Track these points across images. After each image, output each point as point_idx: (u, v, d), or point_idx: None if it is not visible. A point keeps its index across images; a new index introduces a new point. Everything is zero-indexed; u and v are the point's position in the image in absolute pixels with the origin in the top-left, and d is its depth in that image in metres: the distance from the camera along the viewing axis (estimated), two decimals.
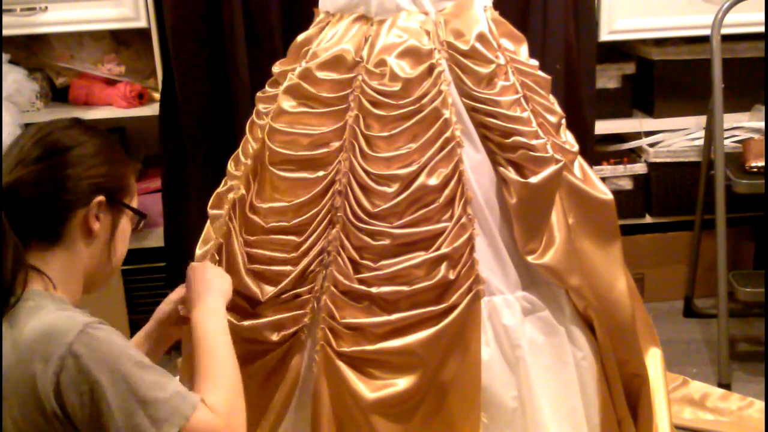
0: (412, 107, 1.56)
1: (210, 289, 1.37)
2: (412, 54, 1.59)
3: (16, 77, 2.64)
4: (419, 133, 1.56)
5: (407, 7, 1.62)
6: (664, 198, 2.93)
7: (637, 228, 2.94)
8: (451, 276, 1.52)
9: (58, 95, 2.86)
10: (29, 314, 1.15)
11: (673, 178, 2.91)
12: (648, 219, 2.98)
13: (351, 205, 1.55)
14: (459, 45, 1.61)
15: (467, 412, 1.55)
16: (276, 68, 1.76)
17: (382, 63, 1.59)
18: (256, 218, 1.60)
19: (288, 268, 1.57)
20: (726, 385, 2.48)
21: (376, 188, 1.54)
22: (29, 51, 2.81)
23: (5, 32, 2.58)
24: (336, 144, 1.58)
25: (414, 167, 1.54)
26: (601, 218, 1.75)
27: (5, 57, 2.63)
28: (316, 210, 1.57)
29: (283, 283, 1.55)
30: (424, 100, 1.56)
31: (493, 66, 1.62)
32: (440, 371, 1.54)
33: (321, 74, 1.61)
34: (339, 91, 1.60)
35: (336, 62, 1.61)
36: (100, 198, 1.24)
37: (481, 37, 1.62)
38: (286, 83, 1.65)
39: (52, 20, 2.62)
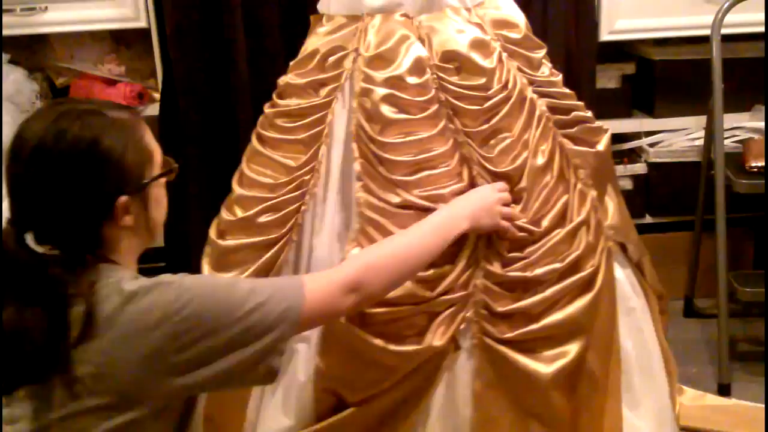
0: (501, 95, 1.58)
1: (473, 209, 1.47)
2: (480, 45, 1.60)
3: (16, 77, 2.64)
4: (512, 120, 1.59)
5: (452, 4, 1.63)
6: (664, 198, 2.93)
7: (637, 228, 2.89)
8: (591, 239, 1.59)
9: (58, 95, 2.86)
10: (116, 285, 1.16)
11: (674, 178, 2.90)
12: (648, 219, 2.97)
13: None
14: (511, 35, 1.65)
15: (612, 366, 1.63)
16: (297, 80, 1.66)
17: (453, 57, 1.58)
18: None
19: (446, 268, 1.54)
20: (726, 386, 2.48)
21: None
22: (29, 51, 2.81)
23: (5, 32, 2.57)
24: (444, 147, 1.55)
25: (524, 155, 1.57)
26: (615, 178, 1.83)
27: (5, 57, 2.63)
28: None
29: (445, 284, 1.53)
30: (509, 87, 1.60)
31: (543, 51, 1.69)
32: (593, 331, 1.59)
33: (410, 79, 1.56)
34: (425, 94, 1.57)
35: (416, 66, 1.58)
36: (123, 200, 1.20)
37: (527, 26, 1.70)
38: (378, 93, 1.55)
39: (52, 20, 2.62)
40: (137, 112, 1.29)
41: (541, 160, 1.58)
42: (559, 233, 1.57)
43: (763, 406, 2.35)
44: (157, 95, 2.73)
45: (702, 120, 2.78)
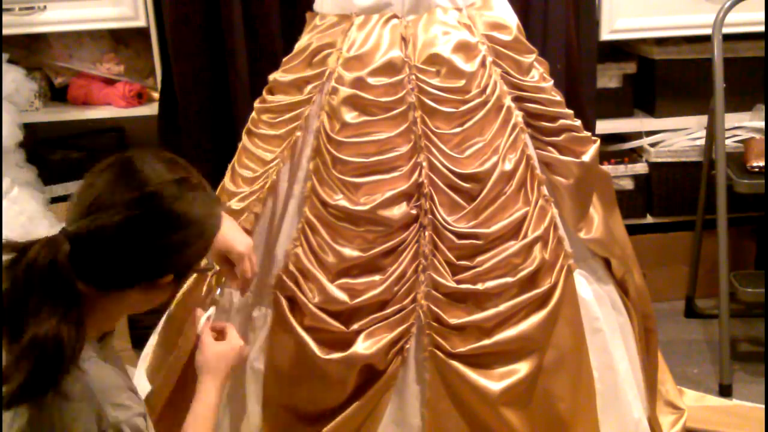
0: (478, 100, 1.58)
1: (221, 370, 1.40)
2: (464, 48, 1.60)
3: (14, 76, 2.62)
4: (485, 125, 1.58)
5: (442, 4, 1.63)
6: (666, 198, 2.92)
7: (639, 228, 2.93)
8: (546, 256, 1.57)
9: (56, 95, 2.85)
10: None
11: (675, 178, 2.90)
12: (649, 219, 2.97)
13: (438, 207, 1.55)
14: (501, 37, 1.65)
15: (583, 385, 1.61)
16: (285, 76, 1.69)
17: (435, 60, 1.58)
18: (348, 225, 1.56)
19: (375, 278, 1.54)
20: (727, 386, 2.48)
21: (465, 186, 1.55)
22: (28, 50, 2.80)
23: (4, 31, 2.57)
24: (405, 147, 1.56)
25: (493, 159, 1.56)
26: (606, 189, 1.82)
27: (4, 56, 2.62)
28: (404, 210, 1.55)
29: (372, 293, 1.52)
30: (488, 92, 1.59)
31: (534, 55, 1.68)
32: (550, 349, 1.58)
33: (373, 80, 1.57)
34: (394, 94, 1.57)
35: (387, 66, 1.58)
36: (168, 278, 1.21)
37: (519, 29, 1.69)
38: (341, 95, 1.58)
39: (51, 19, 2.61)
40: (226, 210, 1.35)
41: (508, 166, 1.58)
42: (513, 246, 1.55)
43: (764, 406, 2.35)
44: (156, 94, 2.72)
45: (703, 119, 2.78)
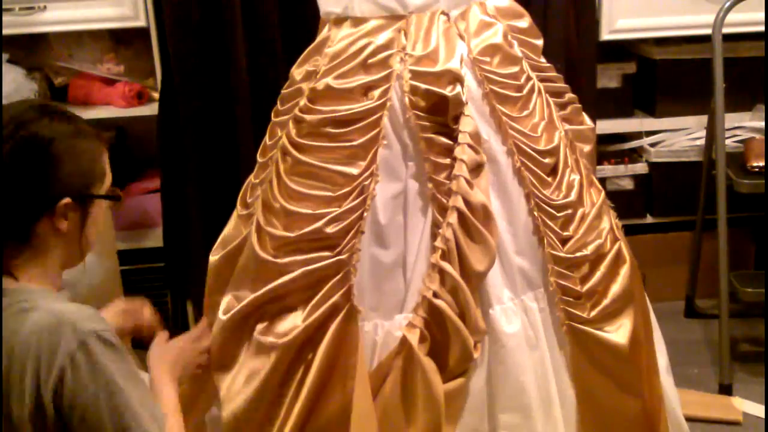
0: (530, 83, 1.67)
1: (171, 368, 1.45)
2: (505, 37, 1.67)
3: (14, 77, 2.63)
4: (537, 105, 1.67)
5: None
6: (666, 198, 2.93)
7: (639, 228, 2.94)
8: (610, 215, 1.73)
9: (56, 95, 2.85)
10: (21, 313, 1.18)
11: (675, 178, 2.90)
12: (649, 219, 2.97)
13: (538, 186, 1.62)
14: (519, 24, 1.71)
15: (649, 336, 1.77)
16: (340, 83, 1.59)
17: (491, 50, 1.63)
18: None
19: None
20: (727, 386, 2.48)
21: (545, 162, 1.63)
22: (28, 50, 2.80)
23: (4, 31, 2.57)
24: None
25: (558, 133, 1.66)
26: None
27: (4, 56, 2.62)
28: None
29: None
30: (527, 75, 1.67)
31: (542, 39, 1.75)
32: (635, 303, 1.70)
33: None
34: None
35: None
36: (66, 201, 1.23)
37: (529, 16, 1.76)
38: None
39: (51, 19, 2.62)
40: (105, 137, 1.36)
41: (564, 140, 1.68)
42: (593, 210, 1.66)
43: (764, 406, 2.35)
44: (156, 95, 2.72)
45: (703, 119, 2.78)
